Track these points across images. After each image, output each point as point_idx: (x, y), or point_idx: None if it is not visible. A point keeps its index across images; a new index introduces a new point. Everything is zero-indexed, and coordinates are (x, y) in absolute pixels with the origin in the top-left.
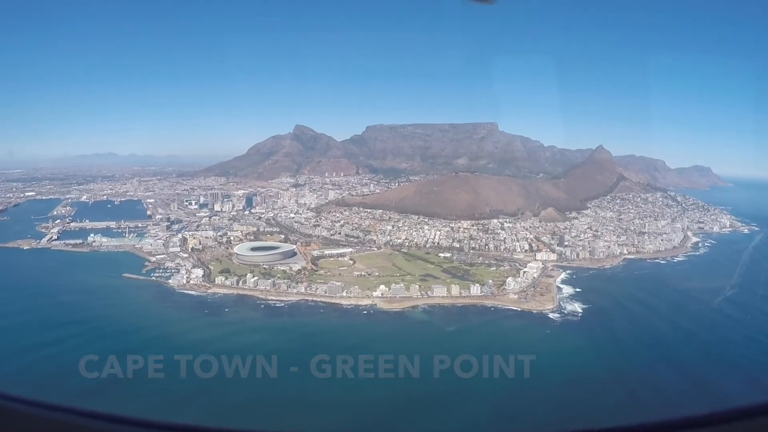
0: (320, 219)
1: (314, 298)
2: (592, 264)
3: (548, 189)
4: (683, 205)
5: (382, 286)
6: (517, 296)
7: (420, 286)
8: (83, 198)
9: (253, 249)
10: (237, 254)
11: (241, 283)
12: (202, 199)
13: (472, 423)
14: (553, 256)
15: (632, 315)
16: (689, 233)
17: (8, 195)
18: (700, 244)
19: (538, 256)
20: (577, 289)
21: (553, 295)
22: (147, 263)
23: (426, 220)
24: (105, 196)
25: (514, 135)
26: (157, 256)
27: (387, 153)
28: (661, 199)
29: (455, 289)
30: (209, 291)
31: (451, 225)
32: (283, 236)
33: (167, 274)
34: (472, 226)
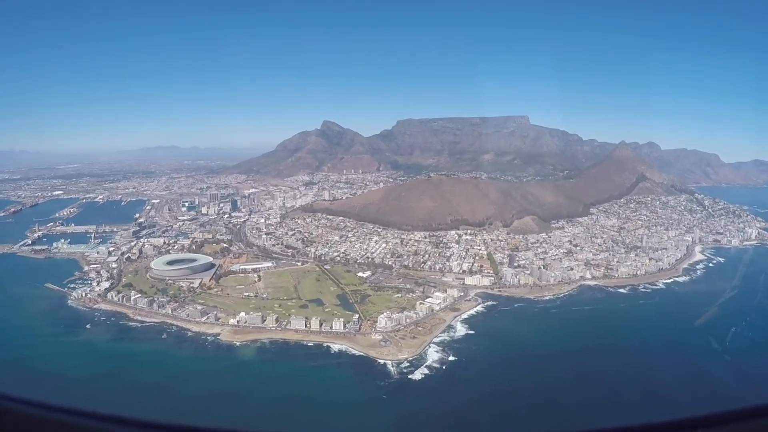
0: (279, 226)
1: (173, 321)
2: (531, 293)
3: (542, 193)
4: (709, 210)
5: (242, 314)
6: (381, 336)
7: (283, 315)
8: (99, 198)
9: (170, 262)
10: (151, 268)
11: (125, 300)
12: (197, 200)
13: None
14: (486, 281)
15: (491, 385)
16: (697, 248)
17: (37, 194)
18: (700, 265)
19: (468, 280)
20: (471, 332)
21: (427, 339)
22: (77, 272)
23: (380, 230)
24: (120, 196)
25: (549, 128)
26: (92, 265)
27: (415, 148)
28: (684, 203)
29: (315, 323)
30: (96, 306)
31: (402, 236)
32: (226, 245)
33: (79, 286)
34: (425, 237)
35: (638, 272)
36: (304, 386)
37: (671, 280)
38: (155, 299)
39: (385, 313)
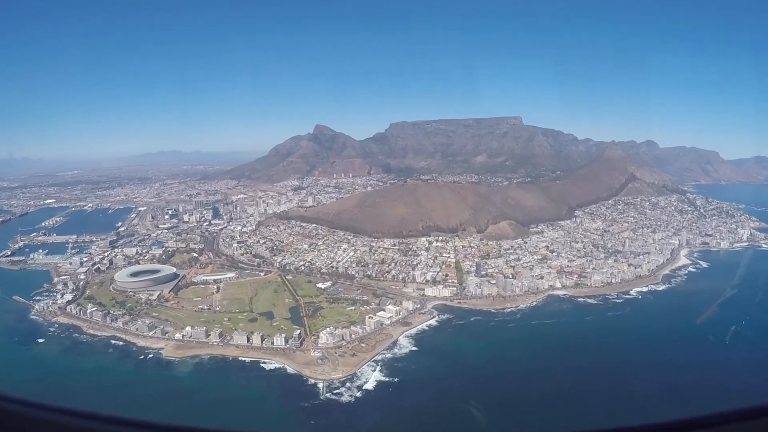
0: (253, 235)
1: (123, 335)
2: (492, 304)
3: (524, 196)
4: (701, 210)
5: (188, 328)
6: (320, 353)
7: (229, 329)
8: (87, 206)
9: (133, 274)
10: (115, 280)
11: (82, 313)
12: (180, 208)
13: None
14: (447, 292)
15: (417, 410)
16: (683, 252)
17: (30, 203)
18: (682, 270)
19: (428, 291)
20: (415, 348)
21: (366, 357)
22: (46, 284)
23: (350, 237)
24: (109, 204)
25: (543, 128)
26: (62, 277)
27: (408, 151)
28: (675, 203)
29: (256, 339)
30: (54, 319)
31: (372, 244)
32: (196, 255)
33: (44, 298)
34: (395, 245)
35: (613, 280)
36: (217, 407)
37: (648, 288)
38: (110, 312)
39: (327, 329)
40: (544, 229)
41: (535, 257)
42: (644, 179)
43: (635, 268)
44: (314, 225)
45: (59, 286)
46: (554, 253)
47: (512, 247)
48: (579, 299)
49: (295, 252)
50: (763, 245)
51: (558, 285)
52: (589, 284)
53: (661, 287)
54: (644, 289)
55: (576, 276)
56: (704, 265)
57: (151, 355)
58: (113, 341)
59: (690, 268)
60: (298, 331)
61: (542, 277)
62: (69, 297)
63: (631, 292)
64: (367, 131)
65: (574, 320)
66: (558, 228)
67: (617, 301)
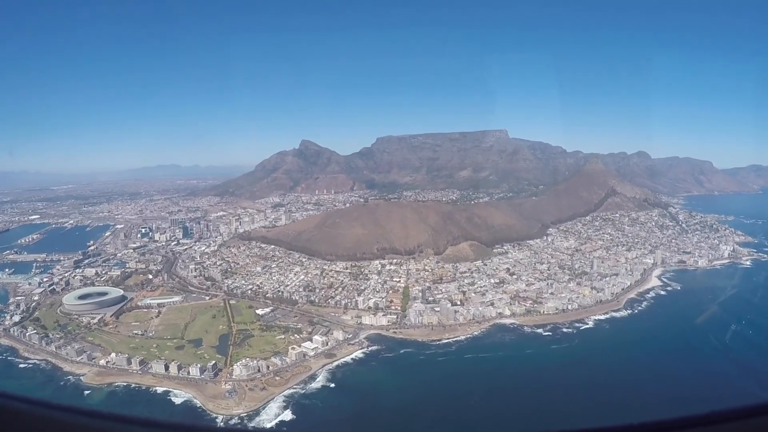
0: (213, 256)
1: (53, 360)
2: (430, 334)
3: (493, 214)
4: (683, 225)
5: (113, 355)
6: (231, 386)
7: (153, 357)
8: (68, 223)
9: (81, 296)
10: (63, 303)
11: (22, 335)
12: (155, 226)
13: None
14: (385, 320)
15: None
16: (656, 272)
17: (15, 219)
18: (650, 293)
19: (365, 319)
20: (330, 384)
21: (276, 392)
22: (1, 305)
23: (303, 260)
24: (90, 221)
25: (530, 141)
26: (17, 297)
27: (393, 166)
28: (656, 218)
29: (173, 368)
30: None
31: (324, 266)
32: (151, 277)
33: None
34: (347, 268)
35: (570, 306)
36: None
37: (607, 315)
38: (48, 335)
39: (242, 361)
40: (510, 249)
41: (492, 281)
42: (625, 193)
43: (597, 292)
44: (273, 246)
45: (11, 307)
46: (514, 276)
47: (469, 270)
48: (526, 329)
49: (247, 275)
50: (745, 262)
51: (507, 312)
52: (541, 311)
53: (621, 314)
54: (602, 317)
55: (530, 302)
56: (675, 287)
57: (71, 381)
58: (43, 365)
59: (659, 291)
60: (214, 361)
61: (492, 304)
62: (17, 318)
63: (587, 320)
64: (354, 146)
65: (511, 354)
66: (525, 248)
67: (567, 331)
